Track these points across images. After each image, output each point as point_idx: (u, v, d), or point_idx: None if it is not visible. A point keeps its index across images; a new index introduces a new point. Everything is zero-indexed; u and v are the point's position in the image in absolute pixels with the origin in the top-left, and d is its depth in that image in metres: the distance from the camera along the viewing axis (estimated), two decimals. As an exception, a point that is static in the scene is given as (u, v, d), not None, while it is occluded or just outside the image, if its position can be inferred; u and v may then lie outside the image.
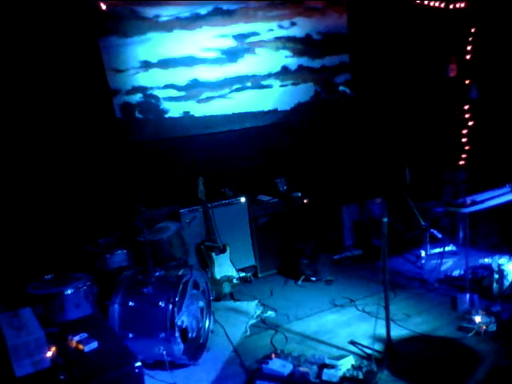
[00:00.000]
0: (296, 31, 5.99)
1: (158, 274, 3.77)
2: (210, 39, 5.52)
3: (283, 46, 5.95)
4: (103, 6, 4.89)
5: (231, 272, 5.03)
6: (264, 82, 5.91)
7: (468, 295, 4.21)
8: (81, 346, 2.72)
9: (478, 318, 3.85)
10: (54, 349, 2.55)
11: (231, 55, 5.67)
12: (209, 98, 5.63)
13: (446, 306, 4.30)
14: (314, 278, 5.23)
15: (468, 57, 5.98)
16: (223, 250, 5.01)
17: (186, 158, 5.50)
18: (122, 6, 5.06)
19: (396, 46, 6.29)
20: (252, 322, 4.42)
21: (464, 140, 6.11)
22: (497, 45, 5.69)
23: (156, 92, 5.35)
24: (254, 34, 5.77)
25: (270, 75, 5.93)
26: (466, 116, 6.07)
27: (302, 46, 6.05)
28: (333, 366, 3.42)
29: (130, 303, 3.60)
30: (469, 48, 5.96)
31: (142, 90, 5.27)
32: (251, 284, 5.35)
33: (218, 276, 4.94)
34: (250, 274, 5.45)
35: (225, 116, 5.74)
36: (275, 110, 6.03)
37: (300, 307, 4.65)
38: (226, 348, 3.98)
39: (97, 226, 4.84)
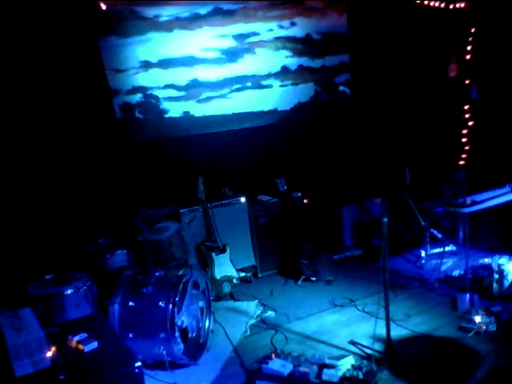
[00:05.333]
0: (296, 31, 5.99)
1: (157, 274, 3.77)
2: (209, 39, 5.52)
3: (283, 45, 5.95)
4: (103, 6, 4.89)
5: (231, 272, 5.03)
6: (264, 82, 5.91)
7: (468, 295, 4.21)
8: (81, 346, 2.72)
9: (477, 318, 3.85)
10: (53, 349, 2.54)
11: (231, 55, 5.67)
12: (209, 98, 5.63)
13: (446, 306, 4.30)
14: (313, 278, 5.23)
15: (468, 57, 5.98)
16: (223, 250, 5.01)
17: (185, 157, 5.49)
18: (122, 6, 5.06)
19: (396, 45, 6.29)
20: (252, 321, 4.42)
21: (464, 140, 6.11)
22: (497, 45, 5.69)
23: (156, 92, 5.35)
24: (254, 34, 5.77)
25: (269, 75, 5.93)
26: (466, 116, 6.07)
27: (302, 46, 6.05)
28: (333, 366, 3.42)
29: (130, 303, 3.60)
30: (469, 48, 5.96)
31: (142, 89, 5.27)
32: (251, 284, 5.35)
33: (218, 276, 4.94)
34: (250, 274, 5.45)
35: (225, 116, 5.74)
36: (275, 110, 6.02)
37: (300, 307, 4.65)
38: (226, 348, 3.98)
39: (97, 226, 4.85)
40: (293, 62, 6.03)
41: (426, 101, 6.28)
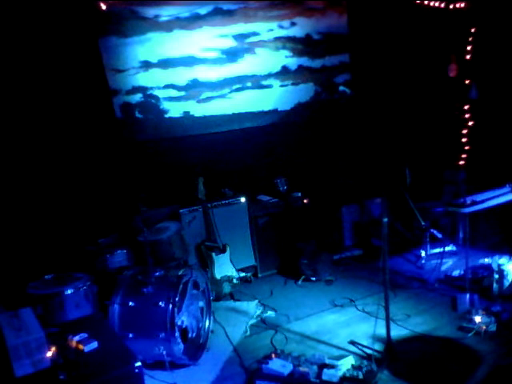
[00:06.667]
0: (296, 31, 5.99)
1: (157, 273, 3.77)
2: (210, 39, 5.53)
3: (283, 45, 5.95)
4: (103, 6, 4.89)
5: (231, 272, 5.03)
6: (264, 82, 5.91)
7: (468, 295, 4.21)
8: (81, 346, 2.72)
9: (478, 318, 3.85)
10: (53, 349, 2.54)
11: (231, 55, 5.67)
12: (209, 98, 5.63)
13: (446, 306, 4.30)
14: (313, 278, 5.23)
15: (468, 57, 5.98)
16: (223, 250, 5.01)
17: (186, 157, 5.50)
18: (122, 6, 5.06)
19: (396, 45, 6.29)
20: (252, 321, 4.42)
21: (464, 140, 6.11)
22: (497, 45, 5.69)
23: (156, 92, 5.35)
24: (254, 34, 5.77)
25: (270, 75, 5.93)
26: (466, 116, 6.07)
27: (302, 46, 6.05)
28: (333, 366, 3.42)
29: (130, 303, 3.60)
30: (469, 48, 5.96)
31: (142, 89, 5.27)
32: (251, 284, 5.35)
33: (218, 276, 4.94)
34: (250, 274, 5.45)
35: (225, 116, 5.74)
36: (275, 110, 6.03)
37: (300, 307, 4.64)
38: (226, 348, 3.98)
39: (97, 226, 4.85)
40: (293, 61, 6.03)
41: (426, 101, 6.28)
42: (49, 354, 2.46)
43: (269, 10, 5.81)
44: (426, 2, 6.07)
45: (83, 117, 4.91)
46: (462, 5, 5.96)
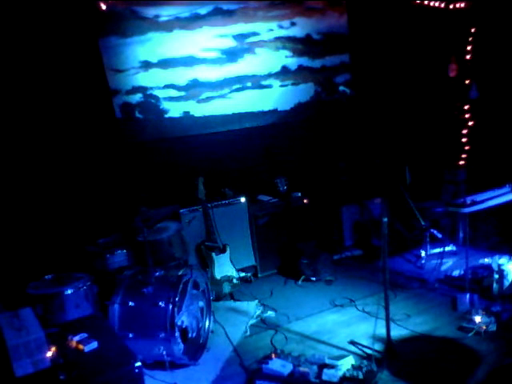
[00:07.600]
0: (296, 31, 5.99)
1: (157, 274, 3.77)
2: (210, 39, 5.53)
3: (283, 46, 5.95)
4: (103, 6, 4.89)
5: (231, 272, 5.03)
6: (264, 82, 5.91)
7: (468, 295, 4.21)
8: (81, 346, 2.72)
9: (478, 318, 3.85)
10: (53, 349, 2.54)
11: (231, 55, 5.67)
12: (209, 98, 5.63)
13: (446, 306, 4.30)
14: (314, 278, 5.23)
15: (468, 57, 5.99)
16: (223, 250, 5.01)
17: (186, 158, 5.50)
18: (122, 6, 5.06)
19: (396, 45, 6.30)
20: (252, 321, 4.42)
21: (464, 140, 6.11)
22: (497, 45, 5.69)
23: (156, 92, 5.35)
24: (254, 34, 5.77)
25: (270, 75, 5.93)
26: (466, 116, 6.07)
27: (302, 46, 6.05)
28: (333, 366, 3.42)
29: (130, 303, 3.60)
30: (469, 48, 5.96)
31: (142, 89, 5.27)
32: (251, 284, 5.35)
33: (218, 276, 4.94)
34: (250, 274, 5.45)
35: (225, 116, 5.74)
36: (275, 110, 6.03)
37: (300, 307, 4.64)
38: (226, 348, 3.98)
39: (97, 226, 4.85)
40: (293, 61, 6.04)
41: (426, 101, 6.29)
42: (49, 354, 2.46)
43: (269, 10, 5.81)
44: (425, 2, 6.07)
45: (83, 117, 4.91)
46: (462, 5, 5.96)
